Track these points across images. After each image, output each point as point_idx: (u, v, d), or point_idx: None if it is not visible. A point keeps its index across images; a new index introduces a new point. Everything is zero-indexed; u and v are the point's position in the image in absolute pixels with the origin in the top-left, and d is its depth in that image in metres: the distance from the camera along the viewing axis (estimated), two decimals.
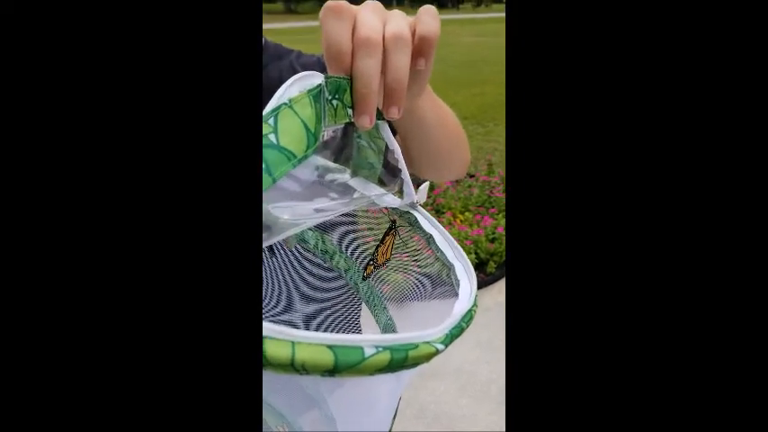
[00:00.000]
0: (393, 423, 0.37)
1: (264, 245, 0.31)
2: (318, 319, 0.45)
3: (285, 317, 0.44)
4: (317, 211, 0.34)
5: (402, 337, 0.18)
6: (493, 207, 2.39)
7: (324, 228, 0.42)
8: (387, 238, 0.38)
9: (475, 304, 0.25)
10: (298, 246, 0.43)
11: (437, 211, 2.36)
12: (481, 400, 1.49)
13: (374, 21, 0.27)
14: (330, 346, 0.16)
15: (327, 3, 0.27)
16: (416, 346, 0.18)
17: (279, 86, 0.34)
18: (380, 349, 0.17)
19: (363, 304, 0.45)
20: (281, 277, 0.43)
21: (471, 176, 2.74)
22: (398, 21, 0.28)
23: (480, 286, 2.00)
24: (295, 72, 0.52)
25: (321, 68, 0.55)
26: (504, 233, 2.12)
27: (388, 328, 0.38)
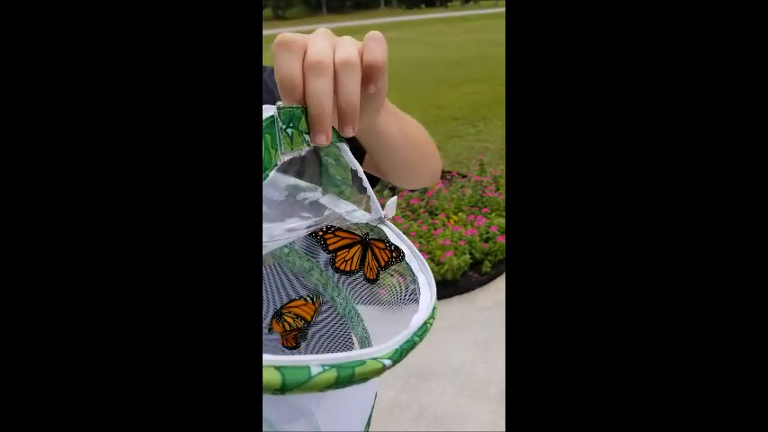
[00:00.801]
0: (371, 414, 0.39)
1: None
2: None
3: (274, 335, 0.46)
4: (290, 231, 0.36)
5: (350, 354, 0.19)
6: (485, 207, 2.41)
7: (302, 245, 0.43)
8: (367, 252, 0.39)
9: (432, 316, 0.26)
10: (278, 264, 0.44)
11: (430, 213, 2.37)
12: (480, 400, 1.50)
13: (324, 46, 0.29)
14: (278, 367, 0.17)
15: (278, 38, 0.28)
16: (363, 362, 0.20)
17: None
18: (327, 368, 0.18)
19: None
20: (268, 295, 0.45)
21: (463, 177, 2.75)
22: (347, 47, 0.30)
23: (476, 286, 2.01)
24: (269, 91, 0.54)
25: None
26: (497, 232, 2.13)
27: (365, 339, 0.40)
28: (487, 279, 2.04)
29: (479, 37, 10.94)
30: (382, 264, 0.38)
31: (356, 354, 0.20)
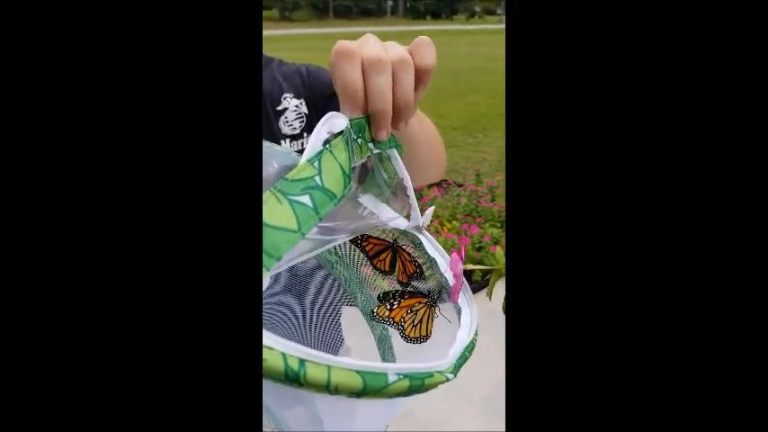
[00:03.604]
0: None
1: (292, 263, 0.33)
2: (304, 309, 0.47)
3: (277, 299, 0.46)
4: (322, 229, 0.36)
5: (419, 366, 0.20)
6: (480, 216, 2.43)
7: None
8: (399, 255, 0.40)
9: (476, 334, 0.27)
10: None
11: None
12: (465, 406, 1.52)
13: (379, 47, 0.30)
14: (359, 372, 0.18)
15: (337, 47, 0.29)
16: (432, 375, 0.20)
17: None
18: (401, 377, 0.19)
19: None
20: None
21: (459, 186, 2.77)
22: (399, 48, 0.31)
23: None
24: (276, 81, 0.55)
25: (300, 77, 0.58)
26: (490, 242, 2.15)
27: (384, 339, 0.40)
28: (477, 288, 2.06)
29: (483, 50, 11.03)
30: (409, 272, 0.38)
31: (424, 366, 0.20)
